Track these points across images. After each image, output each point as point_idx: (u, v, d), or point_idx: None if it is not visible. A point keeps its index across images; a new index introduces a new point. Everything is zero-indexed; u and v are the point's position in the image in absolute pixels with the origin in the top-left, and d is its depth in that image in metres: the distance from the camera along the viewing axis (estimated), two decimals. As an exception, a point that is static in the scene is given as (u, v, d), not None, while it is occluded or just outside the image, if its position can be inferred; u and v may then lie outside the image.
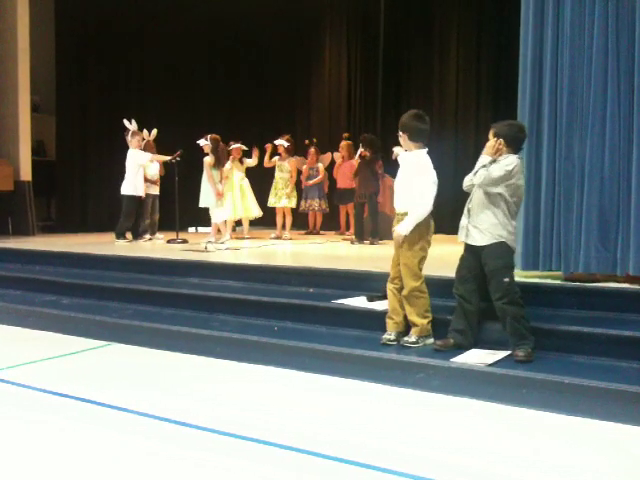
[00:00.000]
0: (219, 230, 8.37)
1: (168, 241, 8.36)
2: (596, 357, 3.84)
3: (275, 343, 4.37)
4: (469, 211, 4.08)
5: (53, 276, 6.39)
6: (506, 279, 3.90)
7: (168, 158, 8.43)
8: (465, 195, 4.16)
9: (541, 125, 4.76)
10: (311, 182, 10.00)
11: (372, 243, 8.20)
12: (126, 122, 8.35)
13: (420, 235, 4.17)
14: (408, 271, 4.17)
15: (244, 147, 9.05)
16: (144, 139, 8.54)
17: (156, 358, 4.52)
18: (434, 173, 4.18)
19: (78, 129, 10.51)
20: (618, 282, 4.52)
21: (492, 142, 4.01)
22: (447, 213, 9.46)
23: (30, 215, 9.48)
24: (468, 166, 4.24)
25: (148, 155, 8.42)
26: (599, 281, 4.58)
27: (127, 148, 8.35)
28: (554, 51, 4.71)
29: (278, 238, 9.21)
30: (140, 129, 8.50)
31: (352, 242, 8.43)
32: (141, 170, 8.33)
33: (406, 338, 4.18)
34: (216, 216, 8.25)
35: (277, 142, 9.23)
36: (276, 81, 12.27)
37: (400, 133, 4.25)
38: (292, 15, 11.94)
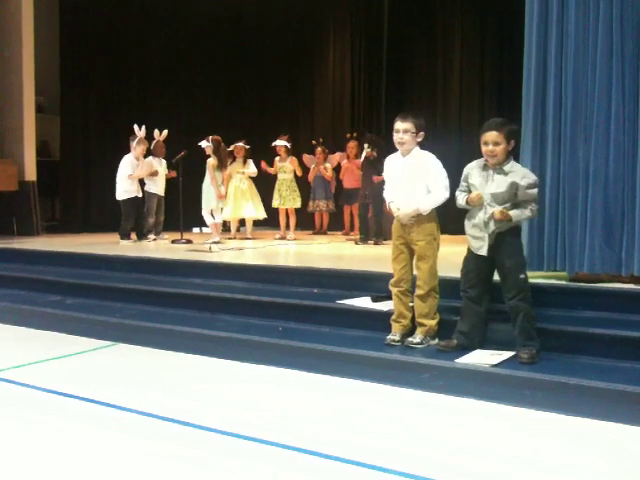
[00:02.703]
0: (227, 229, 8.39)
1: (172, 241, 8.37)
2: (600, 358, 3.83)
3: (279, 343, 4.37)
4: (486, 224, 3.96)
5: (57, 276, 6.40)
6: (522, 276, 3.91)
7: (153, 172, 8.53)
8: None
9: (545, 126, 4.75)
10: (328, 173, 9.96)
11: (376, 243, 8.19)
12: (136, 128, 8.39)
13: (437, 231, 4.21)
14: (428, 269, 4.16)
15: (246, 146, 9.05)
16: (149, 148, 8.62)
17: (160, 358, 4.53)
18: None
19: (82, 130, 10.52)
20: (623, 283, 4.50)
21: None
22: (451, 214, 9.42)
23: (34, 215, 9.50)
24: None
25: (134, 165, 8.41)
26: (604, 281, 4.56)
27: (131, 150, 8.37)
28: (558, 53, 4.69)
29: (282, 238, 9.21)
30: (147, 129, 8.52)
31: (356, 242, 8.43)
32: (127, 173, 8.33)
33: (410, 339, 4.17)
34: (217, 216, 8.29)
35: (276, 143, 9.23)
36: (279, 80, 12.27)
37: (421, 133, 4.22)
38: (295, 14, 11.95)
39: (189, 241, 8.22)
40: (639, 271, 4.41)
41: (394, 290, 4.28)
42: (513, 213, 3.89)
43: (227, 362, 4.36)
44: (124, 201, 8.36)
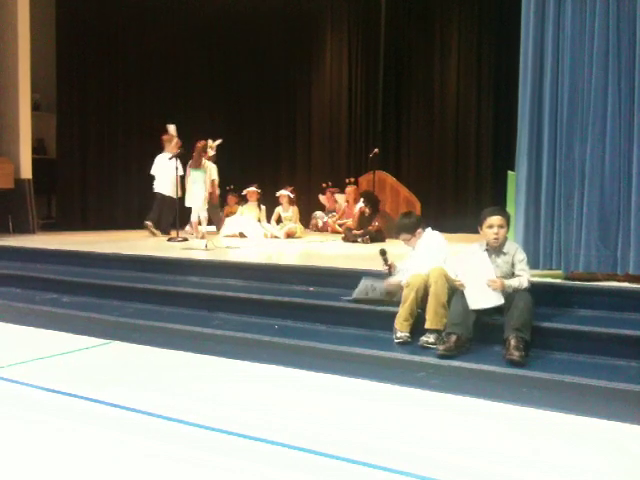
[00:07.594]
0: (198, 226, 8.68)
1: (169, 239, 8.38)
2: (596, 356, 3.85)
3: (276, 342, 4.38)
4: None
5: (54, 274, 6.38)
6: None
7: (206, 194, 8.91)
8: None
9: (542, 124, 4.76)
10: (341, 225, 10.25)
11: (373, 241, 8.25)
12: (171, 127, 8.73)
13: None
14: (435, 294, 4.18)
15: (258, 190, 9.48)
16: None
17: (156, 356, 4.52)
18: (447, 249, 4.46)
19: (78, 127, 10.49)
20: (618, 281, 4.52)
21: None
22: (449, 211, 9.50)
23: (31, 213, 9.47)
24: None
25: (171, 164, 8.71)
26: (599, 280, 4.58)
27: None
28: (555, 49, 4.70)
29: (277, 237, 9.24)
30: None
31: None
32: (178, 174, 8.74)
33: (424, 338, 4.13)
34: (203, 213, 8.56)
35: (280, 193, 9.46)
36: (276, 82, 12.32)
37: (408, 236, 4.62)
38: (293, 16, 12.02)
39: (185, 239, 8.23)
40: (634, 269, 4.42)
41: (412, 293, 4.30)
42: (508, 282, 4.01)
43: (225, 360, 4.36)
44: (172, 198, 8.85)
